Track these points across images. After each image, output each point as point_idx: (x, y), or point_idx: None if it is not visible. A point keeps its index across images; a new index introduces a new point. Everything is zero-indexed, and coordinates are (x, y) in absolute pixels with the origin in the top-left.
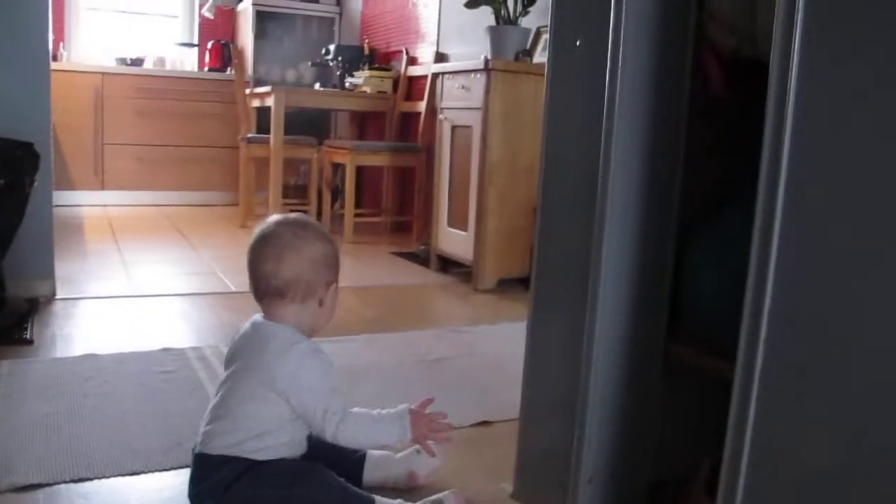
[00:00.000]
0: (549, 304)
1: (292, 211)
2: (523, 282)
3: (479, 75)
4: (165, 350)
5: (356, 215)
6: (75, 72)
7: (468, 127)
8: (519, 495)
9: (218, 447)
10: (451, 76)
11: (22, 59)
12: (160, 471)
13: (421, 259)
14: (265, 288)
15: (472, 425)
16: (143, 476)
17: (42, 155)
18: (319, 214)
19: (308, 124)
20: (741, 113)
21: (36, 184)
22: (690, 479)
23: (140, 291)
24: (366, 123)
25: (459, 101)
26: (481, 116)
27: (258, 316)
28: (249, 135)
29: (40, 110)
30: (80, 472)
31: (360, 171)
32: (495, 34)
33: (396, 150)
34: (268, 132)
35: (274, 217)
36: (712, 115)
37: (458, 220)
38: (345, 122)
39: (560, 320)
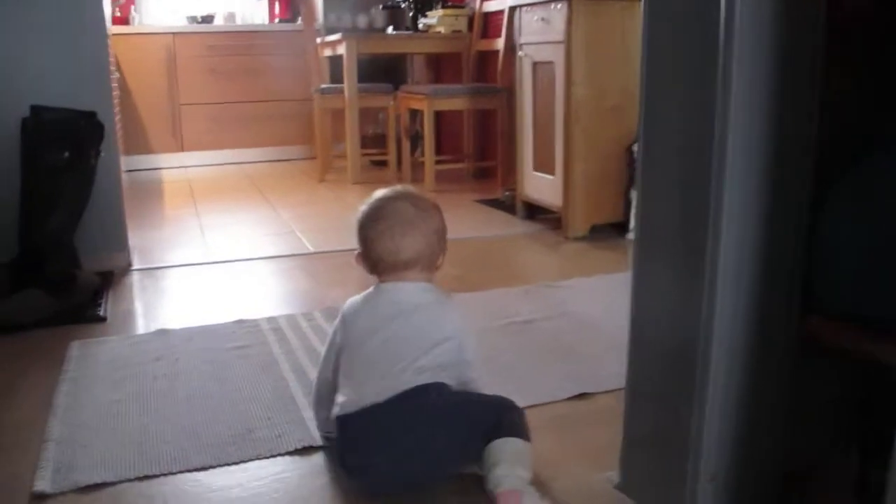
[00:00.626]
0: (657, 266)
1: (372, 161)
2: (617, 227)
3: (559, 5)
4: (239, 322)
5: (437, 162)
6: (146, 34)
7: (550, 63)
8: (626, 488)
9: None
10: (529, 9)
11: (79, 28)
12: (229, 464)
13: (506, 206)
14: (392, 263)
15: (568, 399)
16: (211, 472)
17: (106, 124)
18: (399, 163)
19: (383, 71)
20: (890, 32)
21: (102, 154)
22: (824, 469)
23: (216, 258)
24: (442, 66)
25: (539, 36)
26: (563, 50)
27: (385, 284)
28: (322, 86)
29: (101, 78)
30: (146, 467)
31: (439, 116)
32: None
33: (475, 93)
34: (341, 82)
35: (382, 192)
36: (853, 36)
37: (544, 164)
38: (420, 65)
39: (670, 285)
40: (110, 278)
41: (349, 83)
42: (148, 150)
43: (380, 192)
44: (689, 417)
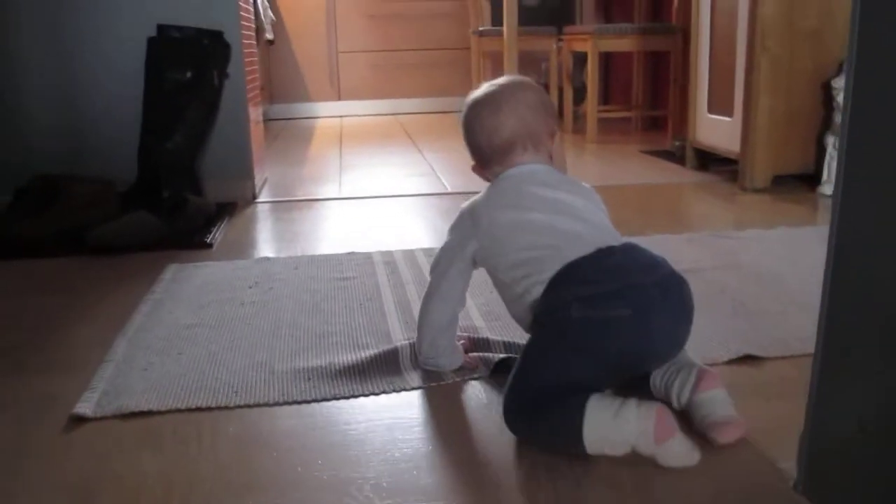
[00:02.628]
0: (866, 211)
1: None
2: (806, 179)
3: None
4: (351, 254)
5: (602, 111)
6: None
7: None
8: (809, 489)
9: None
10: None
11: None
12: (296, 403)
13: (676, 157)
14: (490, 148)
15: (730, 361)
16: (274, 409)
17: (234, 45)
18: (561, 115)
19: (549, 13)
20: None
21: (229, 76)
22: None
23: (349, 194)
24: (611, 6)
25: None
26: None
27: (547, 168)
28: (481, 28)
29: None
30: (198, 398)
31: (606, 60)
32: None
33: (646, 32)
34: (502, 23)
35: (525, 78)
36: None
37: (720, 104)
38: (590, 7)
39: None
40: (231, 208)
41: (509, 21)
42: (306, 97)
43: (492, 81)
44: None
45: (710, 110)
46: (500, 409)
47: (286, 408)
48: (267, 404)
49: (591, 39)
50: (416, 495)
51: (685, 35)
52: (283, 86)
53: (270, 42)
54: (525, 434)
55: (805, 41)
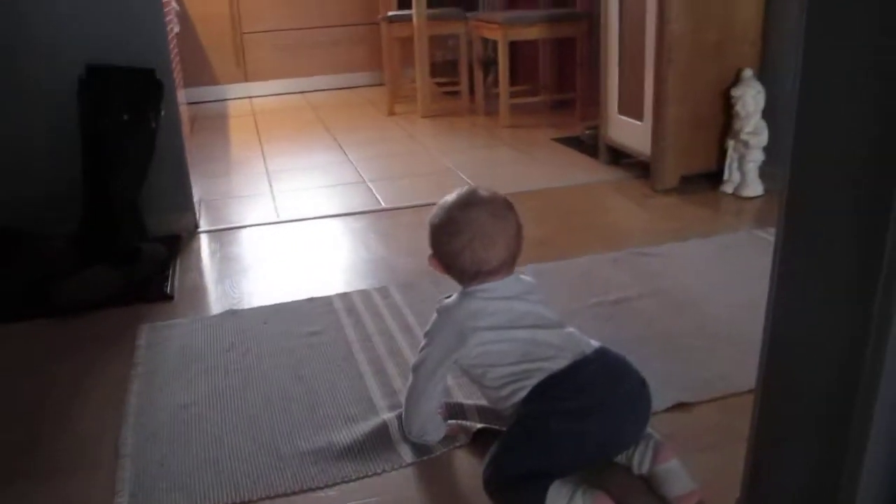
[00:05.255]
0: (810, 257)
1: (443, 87)
2: (710, 177)
3: None
4: (311, 300)
5: (512, 94)
6: None
7: None
8: None
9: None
10: None
11: None
12: (312, 490)
13: (587, 146)
14: (476, 272)
15: (665, 410)
16: (295, 498)
17: (165, 80)
18: (472, 92)
19: None
20: None
21: (163, 113)
22: None
23: (285, 216)
24: None
25: None
26: None
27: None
28: (390, 13)
29: (157, 31)
30: (224, 494)
31: (513, 44)
32: None
33: (553, 20)
34: (410, 7)
35: (453, 198)
36: None
37: (630, 107)
38: None
39: (830, 281)
40: (177, 243)
41: (418, 10)
42: (213, 80)
43: (451, 199)
44: (842, 463)
45: (621, 112)
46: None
47: (301, 495)
48: (285, 494)
49: (500, 29)
50: None
51: (590, 20)
52: (190, 70)
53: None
54: None
55: (709, 52)
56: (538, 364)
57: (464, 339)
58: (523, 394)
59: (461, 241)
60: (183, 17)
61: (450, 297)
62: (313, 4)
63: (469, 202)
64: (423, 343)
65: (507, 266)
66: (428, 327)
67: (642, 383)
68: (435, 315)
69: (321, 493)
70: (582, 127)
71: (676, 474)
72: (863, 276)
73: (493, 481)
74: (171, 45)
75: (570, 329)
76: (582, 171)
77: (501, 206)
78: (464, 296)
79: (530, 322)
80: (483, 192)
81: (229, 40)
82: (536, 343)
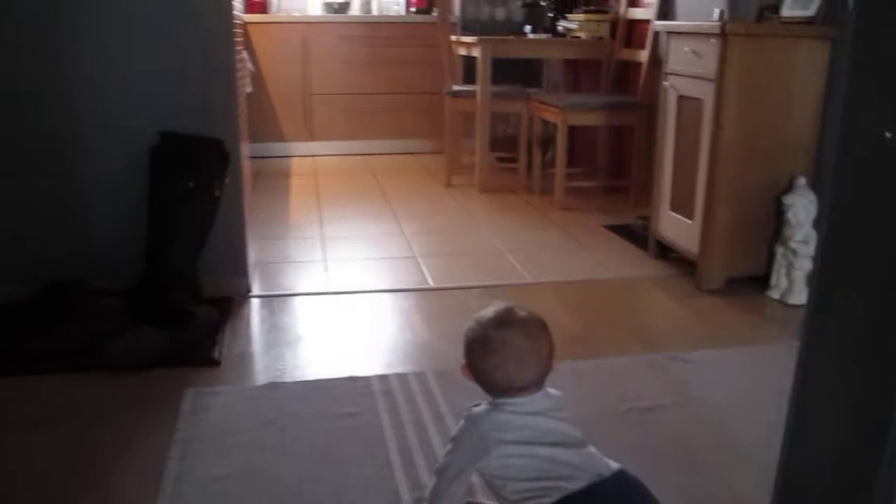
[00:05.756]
0: (828, 383)
1: (501, 161)
2: (756, 281)
3: (712, 39)
4: (351, 379)
5: (568, 176)
6: (282, 23)
7: (698, 99)
8: None
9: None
10: (678, 37)
11: (209, 54)
12: None
13: (637, 236)
14: (508, 388)
15: None
16: None
17: (232, 152)
18: (529, 169)
19: (517, 70)
20: None
21: (228, 181)
22: None
23: (335, 287)
24: (580, 70)
25: (688, 68)
26: (714, 90)
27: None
28: (455, 87)
29: (228, 105)
30: None
31: (572, 126)
32: None
33: (613, 108)
34: (474, 81)
35: (490, 315)
36: None
37: (681, 206)
38: (557, 67)
39: (844, 408)
40: (228, 306)
41: (482, 89)
42: (280, 137)
43: (488, 315)
44: None
45: (672, 209)
46: None
47: None
48: None
49: (560, 113)
50: None
51: (650, 110)
52: (259, 126)
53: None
54: None
55: (760, 157)
56: (556, 483)
57: (487, 450)
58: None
59: (494, 361)
60: (256, 76)
61: (478, 405)
62: (382, 72)
63: (505, 322)
64: (448, 447)
65: (537, 384)
66: (455, 432)
67: None
68: (462, 421)
69: None
70: (634, 215)
71: None
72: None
73: None
74: (241, 109)
75: (591, 449)
76: (629, 264)
77: (536, 328)
78: (492, 407)
79: (553, 439)
80: (520, 313)
81: (299, 100)
82: (556, 461)
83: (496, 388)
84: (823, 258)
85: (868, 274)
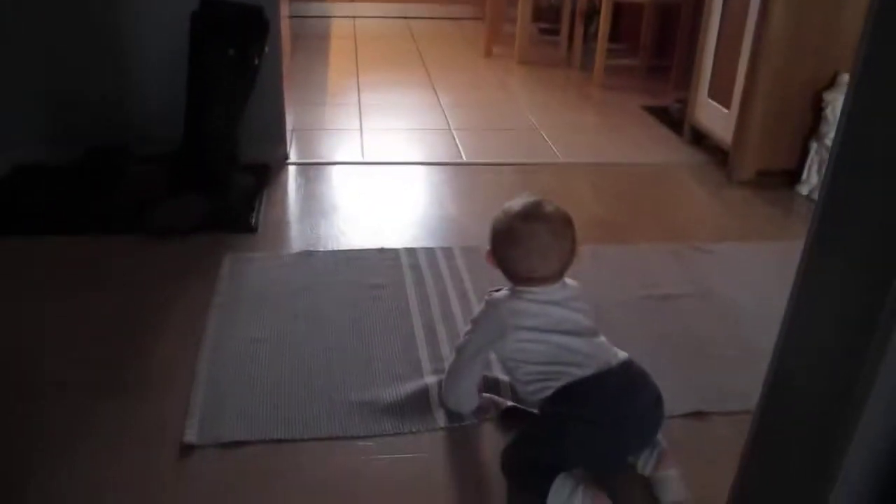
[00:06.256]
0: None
1: (543, 33)
2: (788, 175)
3: None
4: (381, 251)
5: (609, 52)
6: None
7: None
8: None
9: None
10: None
11: None
12: (355, 437)
13: (674, 121)
14: (529, 278)
15: (681, 415)
16: (337, 442)
17: (272, 21)
18: (570, 43)
19: None
20: None
21: (266, 51)
22: None
23: (370, 156)
24: None
25: None
26: None
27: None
28: None
29: None
30: (280, 430)
31: (618, 2)
32: None
33: None
34: None
35: (518, 205)
36: None
37: (720, 93)
38: None
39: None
40: (266, 173)
41: None
42: None
43: (516, 208)
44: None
45: (710, 95)
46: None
47: (342, 441)
48: (329, 438)
49: None
50: None
51: None
52: None
53: None
54: (512, 485)
55: (806, 55)
56: (566, 368)
57: (504, 334)
58: (548, 393)
59: (519, 252)
60: None
61: (499, 290)
62: None
63: (532, 215)
64: (468, 328)
65: (557, 276)
66: (475, 314)
67: (657, 401)
68: (483, 304)
69: (360, 443)
70: (673, 98)
71: (672, 483)
72: (869, 307)
73: (509, 464)
74: None
75: (602, 339)
76: (662, 149)
77: (561, 224)
78: (512, 293)
79: (566, 328)
80: (547, 207)
81: None
82: (568, 349)
83: (517, 277)
84: (836, 165)
85: (878, 183)
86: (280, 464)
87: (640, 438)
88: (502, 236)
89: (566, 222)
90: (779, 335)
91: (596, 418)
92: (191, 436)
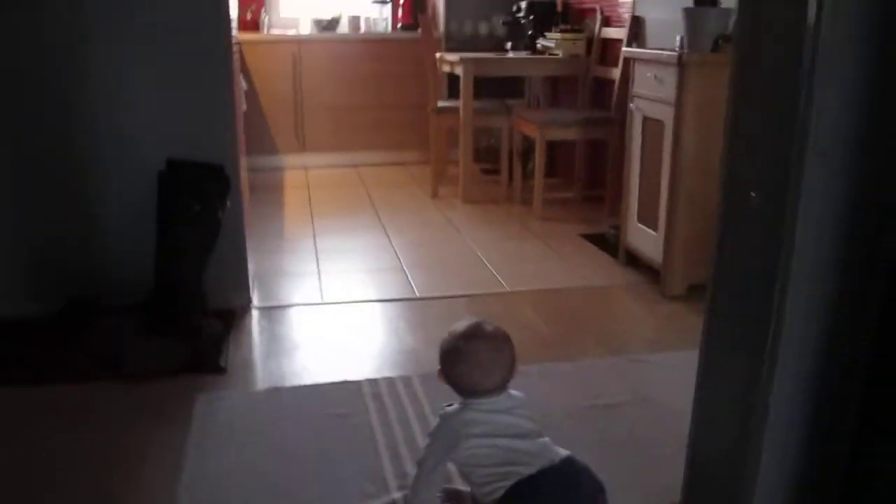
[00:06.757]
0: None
1: (485, 173)
2: None
3: (671, 68)
4: (344, 383)
5: (546, 187)
6: (274, 42)
7: (659, 122)
8: None
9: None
10: (643, 63)
11: (208, 82)
12: None
13: (609, 245)
14: (471, 391)
15: None
16: None
17: (232, 177)
18: (511, 179)
19: (500, 84)
20: None
21: (229, 206)
22: None
23: (328, 297)
24: (558, 85)
25: (651, 92)
26: (673, 113)
27: (508, 394)
28: (440, 104)
29: (229, 133)
30: None
31: (550, 140)
32: (692, 19)
33: (588, 123)
34: (458, 96)
35: (461, 329)
36: None
37: (647, 218)
38: (538, 81)
39: (735, 368)
40: (231, 318)
41: (465, 106)
42: (273, 150)
43: (460, 329)
44: None
45: (640, 220)
46: None
47: None
48: None
49: (538, 129)
50: None
51: (622, 125)
52: (254, 140)
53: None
54: None
55: (715, 177)
56: (514, 468)
57: (458, 443)
58: (500, 493)
59: (463, 369)
60: (250, 93)
61: (451, 405)
62: (370, 86)
63: (473, 335)
64: (427, 441)
65: (500, 388)
66: (432, 429)
67: (600, 492)
68: (438, 419)
69: None
70: (608, 225)
71: None
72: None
73: None
74: (239, 131)
75: (545, 439)
76: (600, 272)
77: (500, 341)
78: (462, 406)
79: (512, 433)
80: (487, 327)
81: (291, 115)
82: (515, 450)
83: (465, 391)
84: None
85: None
86: None
87: None
88: (449, 356)
89: (505, 339)
90: (690, 430)
91: None
92: None
